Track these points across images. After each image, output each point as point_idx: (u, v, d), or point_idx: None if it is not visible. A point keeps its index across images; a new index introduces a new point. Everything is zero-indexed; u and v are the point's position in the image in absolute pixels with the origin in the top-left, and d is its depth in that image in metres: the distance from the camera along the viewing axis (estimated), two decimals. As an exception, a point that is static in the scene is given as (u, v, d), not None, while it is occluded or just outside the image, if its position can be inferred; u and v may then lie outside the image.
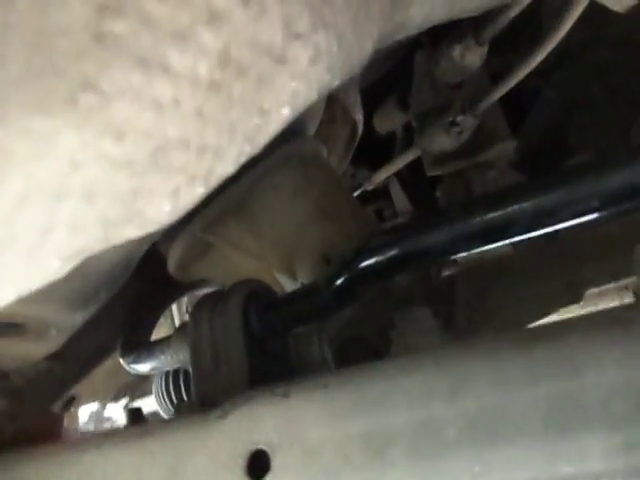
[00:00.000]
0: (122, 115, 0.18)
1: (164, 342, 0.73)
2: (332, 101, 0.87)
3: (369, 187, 1.17)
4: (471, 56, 0.87)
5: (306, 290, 0.60)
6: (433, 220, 0.46)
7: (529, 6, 0.86)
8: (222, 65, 0.21)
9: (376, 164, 1.20)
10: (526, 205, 0.42)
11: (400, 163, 1.07)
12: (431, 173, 0.99)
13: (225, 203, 0.73)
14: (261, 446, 0.30)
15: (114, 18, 0.16)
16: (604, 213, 0.42)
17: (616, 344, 0.25)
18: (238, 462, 0.30)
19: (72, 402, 1.14)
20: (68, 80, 0.16)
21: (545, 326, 0.28)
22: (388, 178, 1.21)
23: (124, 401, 1.20)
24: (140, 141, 0.19)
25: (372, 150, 1.20)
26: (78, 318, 0.58)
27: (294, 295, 0.61)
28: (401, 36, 0.46)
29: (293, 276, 0.73)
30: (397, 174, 1.19)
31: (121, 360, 0.79)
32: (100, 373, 1.27)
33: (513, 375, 0.27)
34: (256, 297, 0.62)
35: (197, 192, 0.25)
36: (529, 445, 0.25)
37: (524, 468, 0.25)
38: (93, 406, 1.24)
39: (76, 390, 1.18)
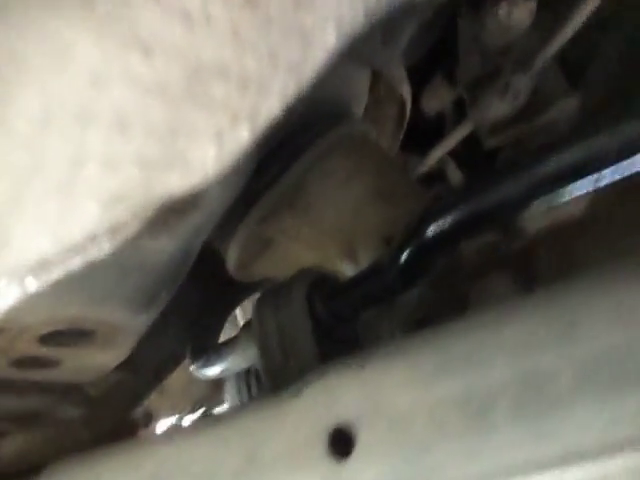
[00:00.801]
0: (147, 26, 0.16)
1: (231, 342, 0.71)
2: (376, 80, 0.84)
3: (422, 170, 1.12)
4: (519, 13, 0.82)
5: (371, 270, 0.57)
6: (499, 172, 0.42)
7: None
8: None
9: (428, 147, 1.15)
10: (601, 140, 0.38)
11: (453, 140, 1.02)
12: (489, 145, 0.93)
13: (278, 194, 0.71)
14: (342, 421, 0.27)
15: None
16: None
17: None
18: (318, 441, 0.27)
19: (149, 418, 1.15)
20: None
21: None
22: (442, 160, 1.16)
23: (201, 412, 1.20)
24: (172, 61, 0.17)
25: (422, 135, 1.16)
26: (143, 320, 0.58)
27: (359, 277, 0.58)
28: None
29: (356, 262, 0.71)
30: (452, 154, 1.13)
31: (191, 366, 0.78)
32: (175, 388, 1.28)
33: (637, 310, 0.22)
34: (319, 284, 0.60)
35: (242, 135, 0.22)
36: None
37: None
38: (171, 420, 1.25)
39: (152, 406, 1.20)
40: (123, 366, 0.71)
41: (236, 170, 0.50)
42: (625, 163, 0.39)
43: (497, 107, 0.86)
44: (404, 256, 0.52)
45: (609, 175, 0.41)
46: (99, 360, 0.64)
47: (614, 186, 0.65)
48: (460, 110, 1.07)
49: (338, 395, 0.28)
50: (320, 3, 0.22)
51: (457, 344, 0.26)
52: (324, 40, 0.23)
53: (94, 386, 0.72)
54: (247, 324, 0.74)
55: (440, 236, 0.47)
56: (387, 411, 0.27)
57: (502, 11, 0.82)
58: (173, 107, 0.18)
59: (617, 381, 0.22)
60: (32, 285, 0.25)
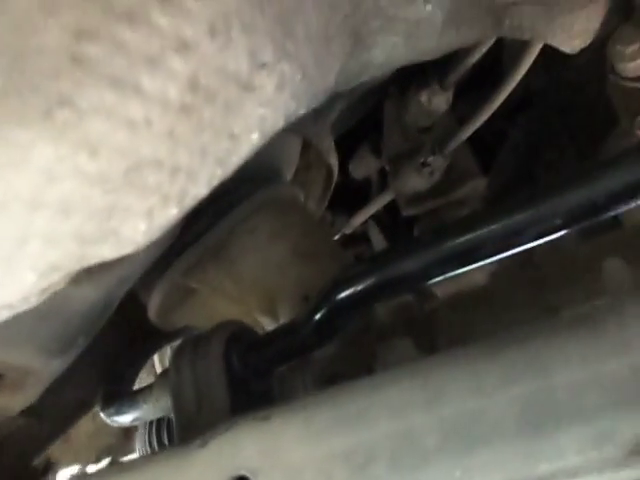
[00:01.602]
0: (96, 132, 0.19)
1: (146, 390, 0.71)
2: (307, 148, 0.90)
3: (348, 231, 1.19)
4: (437, 100, 0.92)
5: (286, 327, 0.60)
6: (406, 247, 0.47)
7: (492, 53, 0.92)
8: (192, 90, 0.22)
9: (354, 210, 1.23)
10: (494, 227, 0.44)
11: (376, 206, 1.10)
12: (407, 213, 1.01)
13: (204, 248, 0.74)
14: (242, 472, 0.30)
15: (89, 42, 0.18)
16: (567, 230, 0.44)
17: (581, 342, 0.26)
18: (221, 488, 0.30)
19: (50, 467, 1.09)
20: (45, 96, 0.17)
21: (514, 331, 0.29)
22: (366, 222, 1.24)
23: (106, 462, 1.15)
24: (114, 158, 0.20)
25: (349, 196, 1.24)
26: (56, 365, 0.58)
27: (275, 333, 0.61)
28: (366, 77, 0.49)
29: (275, 318, 0.74)
30: (374, 217, 1.21)
31: (102, 414, 0.77)
32: (80, 436, 1.23)
33: (486, 380, 0.27)
34: (237, 338, 0.62)
35: (171, 213, 0.26)
36: (506, 447, 0.26)
37: (503, 469, 0.25)
38: (73, 469, 1.19)
39: (54, 454, 1.14)
40: (27, 411, 0.69)
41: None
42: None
43: (415, 181, 0.95)
44: (318, 316, 0.55)
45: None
46: (3, 404, 0.62)
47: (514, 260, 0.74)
48: (384, 178, 1.16)
49: (242, 446, 0.31)
50: (247, 112, 0.26)
51: (351, 402, 0.30)
52: (249, 139, 0.27)
53: (-4, 431, 0.70)
54: (163, 373, 0.75)
55: (350, 300, 0.52)
56: (283, 463, 0.30)
57: (423, 98, 0.91)
58: (112, 193, 0.22)
59: (472, 438, 0.26)
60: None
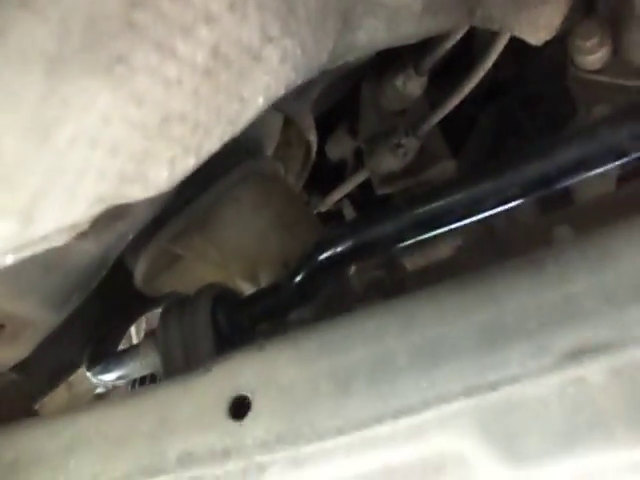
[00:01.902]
0: (142, 86, 0.23)
1: (133, 349, 0.75)
2: (288, 125, 0.94)
3: (323, 209, 1.23)
4: (412, 85, 0.97)
5: (270, 288, 0.65)
6: (381, 213, 0.52)
7: (463, 43, 0.98)
8: (214, 56, 0.26)
9: (328, 189, 1.27)
10: (459, 196, 0.50)
11: (351, 185, 1.15)
12: (380, 192, 1.06)
13: (190, 216, 0.78)
14: (242, 392, 0.35)
15: (141, 10, 0.22)
16: (523, 199, 0.50)
17: (525, 276, 0.32)
18: (221, 406, 0.35)
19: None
20: (108, 53, 0.21)
21: (474, 272, 0.35)
22: (341, 201, 1.29)
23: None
24: (153, 109, 0.24)
25: (324, 176, 1.28)
26: (52, 320, 0.61)
27: (259, 294, 0.66)
28: (350, 57, 0.53)
29: (256, 283, 0.78)
30: (349, 196, 1.26)
31: (88, 372, 0.80)
32: (55, 405, 1.25)
33: (448, 311, 0.33)
34: (223, 298, 0.67)
35: (189, 163, 0.30)
36: (463, 362, 0.31)
37: (460, 380, 0.31)
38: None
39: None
40: (18, 367, 0.72)
41: (160, 195, 0.57)
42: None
43: (389, 161, 1.00)
44: (299, 278, 0.61)
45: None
46: (0, 355, 0.65)
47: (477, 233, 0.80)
48: (359, 158, 1.21)
49: (240, 371, 0.36)
50: (255, 78, 0.31)
51: (334, 332, 0.35)
52: (255, 103, 0.32)
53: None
54: (149, 333, 0.79)
55: (330, 261, 0.57)
56: (276, 383, 0.34)
57: (399, 82, 0.96)
58: (148, 140, 0.26)
59: (436, 357, 0.32)
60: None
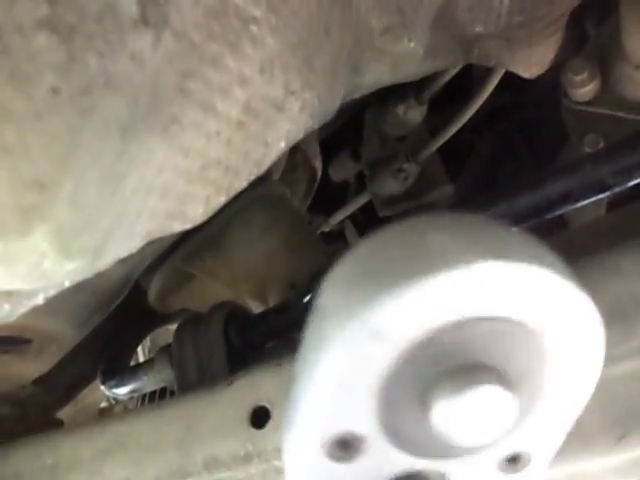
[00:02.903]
0: (190, 139, 0.28)
1: (147, 364, 0.79)
2: (294, 151, 0.99)
3: (326, 229, 1.28)
4: (413, 113, 1.02)
5: (279, 307, 0.69)
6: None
7: (462, 74, 1.03)
8: (246, 111, 0.31)
9: (331, 210, 1.32)
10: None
11: (354, 206, 1.19)
12: (382, 214, 1.11)
13: (202, 238, 0.82)
14: (262, 403, 0.39)
15: (189, 79, 0.26)
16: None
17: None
18: (243, 416, 0.38)
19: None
20: (165, 116, 0.25)
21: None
22: (343, 222, 1.33)
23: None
24: (196, 158, 0.29)
25: (328, 198, 1.33)
26: (76, 336, 0.65)
27: (269, 312, 0.70)
28: (357, 95, 0.58)
29: (264, 302, 0.82)
30: (351, 217, 1.31)
31: (102, 386, 0.84)
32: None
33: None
34: (234, 316, 0.71)
35: (220, 200, 0.34)
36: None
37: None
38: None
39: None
40: (38, 380, 0.76)
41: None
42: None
43: (391, 185, 1.05)
44: (307, 298, 0.65)
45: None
46: (23, 370, 0.69)
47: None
48: (362, 181, 1.26)
49: (260, 384, 0.40)
50: (279, 126, 0.35)
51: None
52: (278, 147, 0.36)
53: (6, 399, 0.76)
54: (163, 349, 0.83)
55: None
56: (293, 395, 0.38)
57: (400, 110, 1.01)
58: (189, 184, 0.30)
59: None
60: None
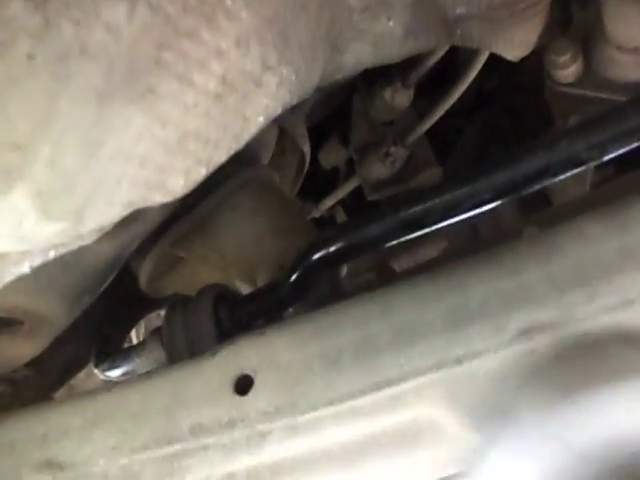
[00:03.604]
0: (167, 110, 0.29)
1: (139, 345, 0.80)
2: (282, 136, 1.00)
3: (317, 215, 1.29)
4: (399, 97, 1.03)
5: (268, 287, 0.71)
6: (369, 216, 0.58)
7: (448, 56, 1.04)
8: (223, 83, 0.32)
9: (322, 196, 1.33)
10: (438, 200, 0.55)
11: (343, 191, 1.20)
12: (371, 198, 1.12)
13: (191, 222, 0.83)
14: (245, 371, 0.40)
15: (165, 51, 0.27)
16: (495, 204, 0.55)
17: (488, 268, 0.37)
18: (227, 383, 0.40)
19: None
20: (141, 86, 0.26)
21: (446, 265, 0.41)
22: (334, 207, 1.34)
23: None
24: (174, 129, 0.30)
25: (318, 184, 1.34)
26: (67, 317, 0.66)
27: (257, 292, 0.71)
28: (339, 76, 0.59)
29: (253, 284, 0.83)
30: (341, 202, 1.32)
31: (95, 369, 0.85)
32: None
33: (424, 297, 0.38)
34: (223, 297, 0.72)
35: (201, 173, 0.35)
36: (434, 341, 0.37)
37: (431, 356, 0.36)
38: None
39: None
40: (31, 364, 0.77)
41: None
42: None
43: (379, 169, 1.06)
44: (294, 277, 0.66)
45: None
46: (15, 352, 0.69)
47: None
48: (352, 166, 1.27)
49: (244, 353, 0.41)
50: (256, 100, 0.36)
51: (324, 319, 0.41)
52: (256, 122, 0.37)
53: (1, 378, 0.77)
54: (154, 331, 0.84)
55: (322, 261, 0.62)
56: (276, 362, 0.40)
57: (387, 95, 1.02)
58: (168, 154, 0.31)
59: (412, 336, 0.37)
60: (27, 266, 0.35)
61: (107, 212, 0.31)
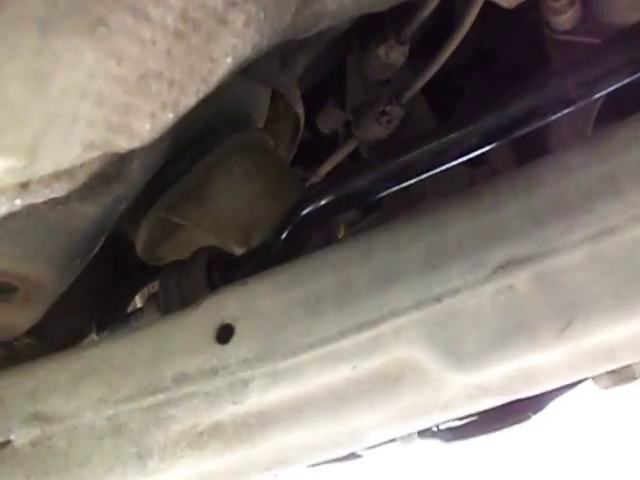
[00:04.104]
0: (121, 45, 0.28)
1: (137, 312, 0.81)
2: (276, 101, 0.98)
3: (316, 180, 1.28)
4: (394, 54, 1.00)
5: (259, 247, 0.70)
6: (357, 168, 0.57)
7: (444, 12, 1.01)
8: (183, 20, 0.31)
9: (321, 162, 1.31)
10: (425, 148, 0.54)
11: (341, 155, 1.19)
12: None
13: (184, 187, 0.82)
14: (227, 320, 0.40)
15: (116, -20, 0.26)
16: (485, 148, 0.54)
17: (466, 207, 0.37)
18: (209, 333, 0.40)
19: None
20: (90, 16, 0.25)
21: (425, 206, 0.40)
22: (333, 171, 1.32)
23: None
24: (131, 66, 0.29)
25: (319, 150, 1.32)
26: (60, 282, 0.66)
27: (249, 252, 0.71)
28: (323, 25, 0.57)
29: (249, 248, 0.83)
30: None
31: (96, 338, 0.86)
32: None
33: (401, 238, 0.38)
34: (216, 259, 0.72)
35: (168, 117, 0.34)
36: (412, 281, 0.36)
37: (410, 296, 0.36)
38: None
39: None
40: (32, 333, 0.77)
41: (152, 156, 0.62)
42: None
43: (375, 129, 1.04)
44: (284, 234, 0.65)
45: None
46: (12, 320, 0.70)
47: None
48: (350, 131, 1.25)
49: (225, 304, 0.41)
50: (223, 40, 0.35)
51: (305, 265, 0.40)
52: (225, 63, 0.36)
53: (2, 348, 0.78)
54: (151, 295, 0.84)
55: (312, 216, 0.61)
56: (257, 310, 0.40)
57: (381, 52, 1.00)
58: (128, 94, 0.30)
59: (390, 278, 0.37)
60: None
61: (65, 152, 0.30)
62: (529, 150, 0.92)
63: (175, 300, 0.71)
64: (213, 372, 0.38)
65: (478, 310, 0.34)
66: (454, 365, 0.34)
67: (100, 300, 0.94)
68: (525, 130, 0.53)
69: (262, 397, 0.38)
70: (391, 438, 0.42)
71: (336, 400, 0.39)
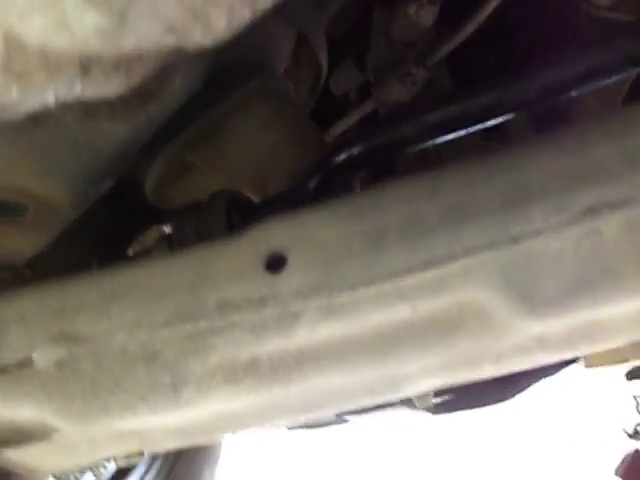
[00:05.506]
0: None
1: (146, 252, 0.77)
2: (299, 45, 0.94)
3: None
4: (424, 13, 0.97)
5: (282, 194, 0.68)
6: (389, 120, 0.54)
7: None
8: None
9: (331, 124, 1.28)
10: (471, 101, 0.51)
11: (356, 116, 1.16)
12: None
13: (203, 126, 0.79)
14: (278, 249, 0.37)
15: None
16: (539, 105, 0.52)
17: (549, 149, 0.35)
18: (258, 261, 0.37)
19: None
20: None
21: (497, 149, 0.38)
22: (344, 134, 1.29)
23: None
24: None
25: (327, 114, 1.29)
26: (74, 207, 0.62)
27: (274, 198, 0.68)
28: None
29: (264, 195, 0.80)
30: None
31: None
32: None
33: (475, 176, 0.35)
34: (236, 203, 0.69)
35: (244, 15, 0.31)
36: (489, 219, 0.34)
37: (486, 235, 0.34)
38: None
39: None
40: (35, 265, 0.74)
41: (192, 76, 0.58)
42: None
43: (397, 90, 1.01)
44: (314, 180, 0.63)
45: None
46: (19, 242, 0.66)
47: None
48: (363, 93, 1.21)
49: (275, 231, 0.38)
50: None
51: (365, 199, 0.38)
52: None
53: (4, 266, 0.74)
54: (162, 237, 0.81)
55: (343, 165, 0.59)
56: (312, 241, 0.37)
57: (411, 10, 0.96)
58: None
59: (465, 215, 0.35)
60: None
61: (148, 27, 0.27)
62: (547, 125, 0.90)
63: (191, 242, 0.68)
64: (262, 302, 0.36)
65: (559, 254, 0.32)
66: (527, 310, 0.33)
67: (101, 241, 0.91)
68: (584, 90, 0.51)
69: (311, 332, 0.36)
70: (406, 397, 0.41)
71: (384, 342, 0.37)
